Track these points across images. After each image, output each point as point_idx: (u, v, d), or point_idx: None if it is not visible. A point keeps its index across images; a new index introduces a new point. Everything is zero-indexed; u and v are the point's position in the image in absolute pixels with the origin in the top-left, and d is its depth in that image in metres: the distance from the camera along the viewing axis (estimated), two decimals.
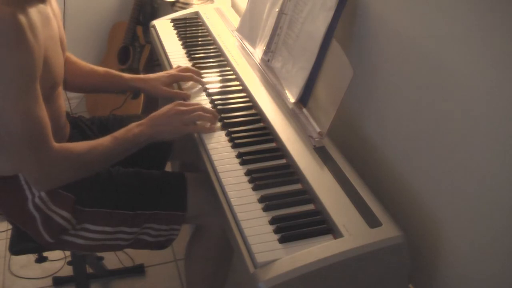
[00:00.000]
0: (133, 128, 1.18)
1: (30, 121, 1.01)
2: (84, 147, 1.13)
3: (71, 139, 1.30)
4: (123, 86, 1.44)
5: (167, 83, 1.40)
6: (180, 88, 1.41)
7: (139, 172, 1.26)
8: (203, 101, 1.33)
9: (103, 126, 1.43)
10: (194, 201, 1.24)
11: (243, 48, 1.52)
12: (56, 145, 1.07)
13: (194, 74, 1.40)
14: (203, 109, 1.22)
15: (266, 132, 1.20)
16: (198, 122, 1.20)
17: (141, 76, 1.43)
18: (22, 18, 0.97)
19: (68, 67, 1.36)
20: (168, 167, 1.80)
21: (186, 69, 1.42)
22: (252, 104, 1.30)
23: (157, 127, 1.18)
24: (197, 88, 1.39)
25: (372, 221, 0.93)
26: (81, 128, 1.39)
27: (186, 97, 1.34)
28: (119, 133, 1.17)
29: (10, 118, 1.00)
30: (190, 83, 1.40)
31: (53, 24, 1.12)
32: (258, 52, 1.44)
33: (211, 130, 1.20)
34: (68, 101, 1.66)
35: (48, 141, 1.05)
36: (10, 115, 0.99)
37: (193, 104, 1.23)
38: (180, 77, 1.40)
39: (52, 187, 1.14)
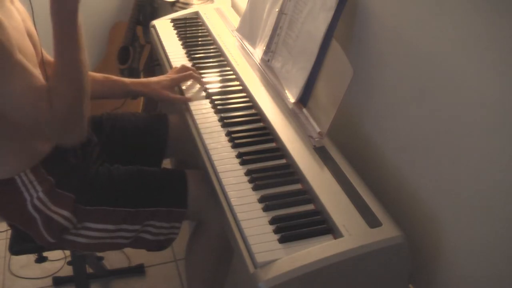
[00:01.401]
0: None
1: (26, 92, 1.01)
2: (59, 68, 1.07)
3: None
4: (124, 91, 1.40)
5: (168, 87, 1.38)
6: (180, 87, 1.41)
7: (139, 169, 1.26)
8: (203, 101, 1.33)
9: (98, 126, 1.42)
10: (195, 198, 1.24)
11: (243, 48, 1.52)
12: (46, 85, 1.05)
13: (192, 72, 1.40)
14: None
15: (266, 132, 1.20)
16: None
17: (142, 80, 1.41)
18: None
19: None
20: (168, 164, 1.80)
21: (183, 68, 1.42)
22: (252, 104, 1.30)
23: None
24: (197, 88, 1.39)
25: (372, 221, 0.93)
26: None
27: (188, 101, 1.33)
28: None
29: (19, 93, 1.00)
30: (190, 82, 1.40)
31: (16, 17, 1.10)
32: (258, 52, 1.44)
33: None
34: None
35: (41, 83, 1.04)
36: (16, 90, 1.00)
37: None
38: (181, 79, 1.40)
39: (82, 124, 1.10)
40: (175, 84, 1.40)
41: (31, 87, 1.02)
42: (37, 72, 1.08)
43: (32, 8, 1.18)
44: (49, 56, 1.35)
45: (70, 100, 1.05)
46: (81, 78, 1.07)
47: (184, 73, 1.40)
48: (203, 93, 1.37)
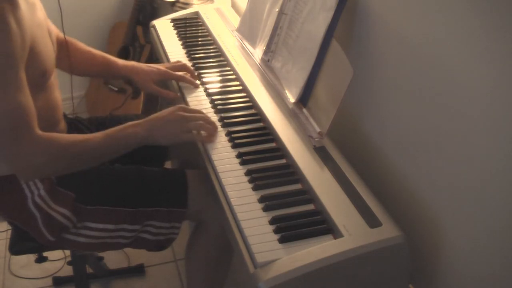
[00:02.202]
0: (127, 127, 1.14)
1: (12, 108, 0.99)
2: (72, 139, 1.10)
3: None
4: (116, 73, 1.42)
5: (155, 80, 1.39)
6: (178, 84, 1.41)
7: (140, 169, 1.26)
8: (203, 101, 1.33)
9: (101, 127, 1.42)
10: (195, 198, 1.24)
11: (243, 48, 1.52)
12: (40, 133, 1.04)
13: (189, 74, 1.40)
14: (206, 119, 1.17)
15: (266, 132, 1.20)
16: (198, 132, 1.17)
17: (134, 65, 1.42)
18: (3, 2, 0.96)
19: (70, 51, 1.37)
20: (168, 164, 1.80)
21: (181, 66, 1.42)
22: (252, 104, 1.30)
23: (154, 130, 1.14)
24: (197, 89, 1.39)
25: (372, 221, 0.93)
26: (79, 129, 1.38)
27: (175, 98, 1.34)
28: (113, 130, 1.13)
29: None
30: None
31: (39, 13, 1.11)
32: (258, 52, 1.44)
33: (210, 141, 1.16)
34: (72, 100, 1.65)
35: (31, 129, 1.02)
36: None
37: (195, 111, 1.19)
38: (171, 76, 1.40)
39: (36, 177, 1.12)
40: (164, 79, 1.41)
41: (15, 108, 1.00)
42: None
43: (60, 7, 1.21)
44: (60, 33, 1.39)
45: (56, 166, 1.10)
46: (76, 163, 1.12)
47: (177, 74, 1.40)
48: (203, 93, 1.36)
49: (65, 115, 1.35)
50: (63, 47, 1.36)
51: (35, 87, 1.05)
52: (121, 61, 1.42)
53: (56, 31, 1.35)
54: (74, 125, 1.38)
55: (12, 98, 0.99)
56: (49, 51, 1.13)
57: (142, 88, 1.42)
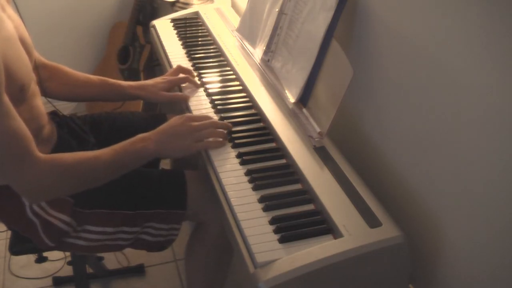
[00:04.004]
0: (136, 142, 1.11)
1: (6, 136, 0.95)
2: (76, 158, 1.06)
3: (60, 140, 1.25)
4: (121, 95, 1.39)
5: (164, 89, 1.38)
6: (179, 87, 1.41)
7: (138, 170, 1.26)
8: (203, 101, 1.33)
9: (96, 125, 1.41)
10: (194, 199, 1.24)
11: (243, 48, 1.52)
12: (42, 156, 1.01)
13: (189, 74, 1.40)
14: (215, 125, 1.16)
15: (266, 132, 1.20)
16: (209, 139, 1.15)
17: (139, 83, 1.40)
18: None
19: (63, 79, 1.34)
20: (167, 165, 1.80)
21: (179, 69, 1.42)
22: (252, 104, 1.30)
23: (164, 144, 1.11)
24: (197, 89, 1.39)
25: (372, 221, 0.93)
26: (71, 128, 1.34)
27: (186, 99, 1.33)
28: (120, 145, 1.10)
29: None
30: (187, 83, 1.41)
31: (7, 25, 1.04)
32: (258, 52, 1.44)
33: (222, 145, 1.15)
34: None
35: (30, 153, 0.99)
36: None
37: (203, 118, 1.17)
38: (176, 82, 1.39)
39: (45, 199, 1.11)
40: (172, 86, 1.39)
41: (9, 136, 0.96)
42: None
43: (19, 13, 1.15)
44: (42, 58, 1.35)
45: (63, 187, 1.07)
46: (85, 181, 1.09)
47: (180, 76, 1.40)
48: (203, 93, 1.37)
49: (57, 114, 1.33)
50: (48, 71, 1.33)
51: (15, 102, 1.00)
52: (124, 82, 1.39)
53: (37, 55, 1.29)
54: (67, 124, 1.34)
55: (4, 127, 0.95)
56: (24, 64, 1.07)
57: (154, 100, 1.39)
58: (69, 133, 1.32)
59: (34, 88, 1.15)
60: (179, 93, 1.37)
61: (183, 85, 1.40)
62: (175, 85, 1.40)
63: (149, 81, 1.40)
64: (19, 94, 1.05)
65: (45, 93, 1.30)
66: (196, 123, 1.14)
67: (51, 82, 1.33)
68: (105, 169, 1.09)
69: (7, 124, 0.96)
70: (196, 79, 1.42)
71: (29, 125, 1.02)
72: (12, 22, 1.08)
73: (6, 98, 0.96)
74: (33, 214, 1.15)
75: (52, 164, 1.03)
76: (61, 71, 1.37)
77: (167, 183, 1.25)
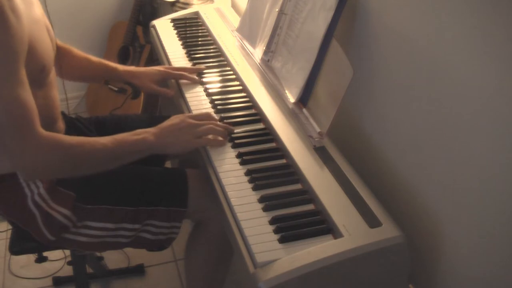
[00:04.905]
0: (137, 133, 1.13)
1: (13, 104, 0.97)
2: (76, 140, 1.07)
3: None
4: (117, 79, 1.47)
5: (156, 81, 1.43)
6: (178, 85, 1.41)
7: (140, 168, 1.26)
8: (203, 101, 1.33)
9: (101, 126, 1.43)
10: (195, 197, 1.24)
11: (243, 48, 1.52)
12: (44, 132, 1.02)
13: (187, 73, 1.42)
14: (215, 123, 1.18)
15: (266, 132, 1.20)
16: (209, 136, 1.16)
17: (134, 70, 1.46)
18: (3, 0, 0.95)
19: (65, 57, 1.38)
20: (168, 164, 1.80)
21: (179, 69, 1.45)
22: (252, 104, 1.30)
23: (165, 139, 1.13)
24: (197, 89, 1.39)
25: (372, 221, 0.93)
26: (78, 128, 1.38)
27: (169, 95, 1.39)
28: (121, 135, 1.12)
29: None
30: (186, 80, 1.42)
31: (36, 9, 1.11)
32: (258, 52, 1.44)
33: (222, 144, 1.16)
34: (66, 101, 1.66)
35: (33, 126, 1.00)
36: None
37: (204, 117, 1.19)
38: (170, 75, 1.43)
39: (40, 177, 1.11)
40: (164, 79, 1.44)
41: (16, 103, 0.98)
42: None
43: (47, 12, 1.20)
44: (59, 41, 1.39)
45: (60, 167, 1.07)
46: (82, 165, 1.10)
47: (177, 72, 1.43)
48: (203, 93, 1.37)
49: (64, 114, 1.35)
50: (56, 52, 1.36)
51: (34, 84, 1.03)
52: (121, 67, 1.45)
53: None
54: (73, 124, 1.38)
55: (14, 94, 0.97)
56: (47, 48, 1.12)
57: (142, 89, 1.46)
58: (76, 133, 1.35)
59: (53, 78, 1.18)
60: (164, 89, 1.43)
61: (182, 81, 1.42)
62: (168, 78, 1.45)
63: (146, 70, 1.45)
64: (39, 75, 1.09)
65: (60, 73, 1.37)
66: (196, 121, 1.17)
67: (59, 62, 1.35)
68: (104, 156, 1.10)
69: (17, 92, 0.98)
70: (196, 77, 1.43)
71: (41, 111, 1.04)
72: (39, 8, 1.14)
73: (23, 70, 0.99)
74: (34, 205, 1.16)
75: (53, 141, 1.04)
76: (68, 52, 1.41)
77: (169, 181, 1.26)
